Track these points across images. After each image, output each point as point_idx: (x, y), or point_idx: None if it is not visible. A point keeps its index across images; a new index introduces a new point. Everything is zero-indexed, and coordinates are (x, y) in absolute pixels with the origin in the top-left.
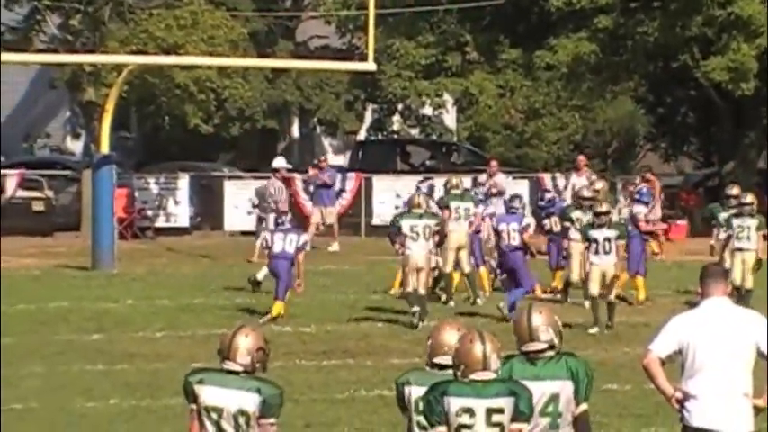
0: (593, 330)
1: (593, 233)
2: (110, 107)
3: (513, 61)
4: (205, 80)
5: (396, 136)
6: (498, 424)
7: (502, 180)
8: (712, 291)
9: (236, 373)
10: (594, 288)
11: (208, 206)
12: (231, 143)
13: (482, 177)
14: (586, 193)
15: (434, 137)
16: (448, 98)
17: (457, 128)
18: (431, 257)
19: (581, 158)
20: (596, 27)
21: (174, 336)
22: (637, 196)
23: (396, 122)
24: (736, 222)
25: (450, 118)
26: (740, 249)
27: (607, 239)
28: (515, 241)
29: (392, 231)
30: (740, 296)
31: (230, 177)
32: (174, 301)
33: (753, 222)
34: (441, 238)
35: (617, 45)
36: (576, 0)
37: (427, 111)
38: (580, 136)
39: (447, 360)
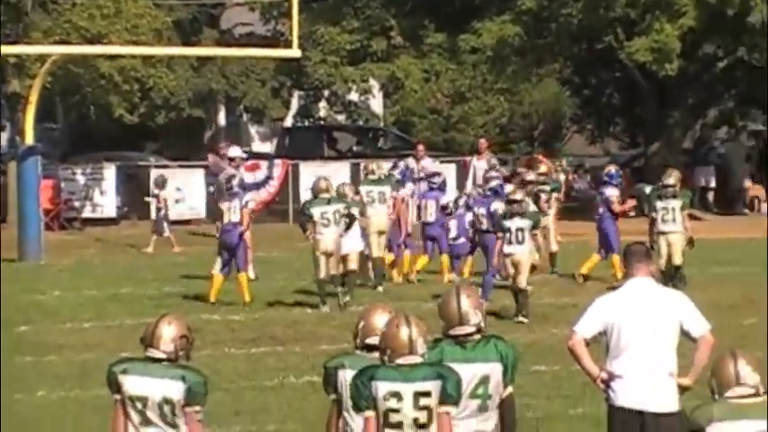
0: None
1: (507, 223)
2: (33, 98)
3: (439, 45)
4: (130, 69)
5: (322, 122)
6: (426, 407)
7: (429, 164)
8: (635, 271)
9: (160, 361)
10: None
11: (135, 196)
12: (157, 132)
13: (410, 162)
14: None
15: (361, 122)
16: (374, 83)
17: (383, 113)
18: (341, 242)
19: (482, 142)
20: (520, 9)
21: (103, 326)
22: (606, 179)
23: (322, 109)
24: (660, 205)
25: (376, 103)
26: (664, 232)
27: (520, 229)
28: (432, 217)
29: (302, 219)
30: (671, 277)
31: (157, 166)
32: (102, 291)
33: (677, 203)
34: (350, 221)
35: (541, 27)
36: None
37: (353, 96)
38: (506, 119)
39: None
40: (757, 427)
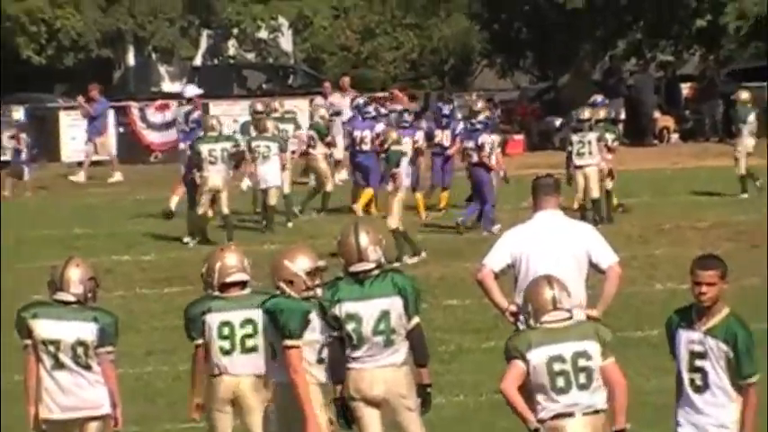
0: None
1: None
2: None
3: None
4: (36, 11)
5: (232, 61)
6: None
7: (338, 100)
8: (543, 203)
9: (70, 304)
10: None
11: (44, 138)
12: (66, 74)
13: (318, 99)
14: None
15: (271, 60)
16: (283, 21)
17: (293, 50)
18: (228, 178)
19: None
20: None
21: (11, 269)
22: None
23: (231, 47)
24: (575, 138)
25: (285, 41)
26: (580, 167)
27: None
28: (367, 146)
29: (190, 156)
30: (591, 208)
31: (66, 108)
32: (14, 233)
33: (593, 135)
34: (238, 160)
35: None
36: None
37: (263, 34)
38: (416, 54)
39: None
40: (575, 348)
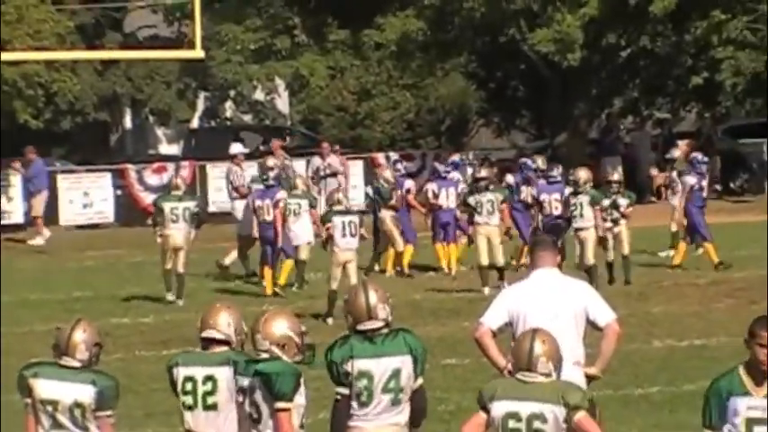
0: None
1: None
2: None
3: (342, 42)
4: (33, 75)
5: (229, 123)
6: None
7: (335, 161)
8: (540, 262)
9: (68, 368)
10: None
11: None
12: (63, 137)
13: (316, 160)
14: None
15: (267, 122)
16: (279, 82)
17: (290, 111)
18: (189, 237)
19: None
20: (423, 4)
21: (12, 332)
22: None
23: (228, 109)
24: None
25: (282, 102)
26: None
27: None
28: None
29: (154, 213)
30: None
31: (63, 171)
32: (11, 296)
33: (585, 199)
34: (199, 220)
35: (444, 21)
36: None
37: (259, 96)
38: (413, 114)
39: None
40: (533, 409)
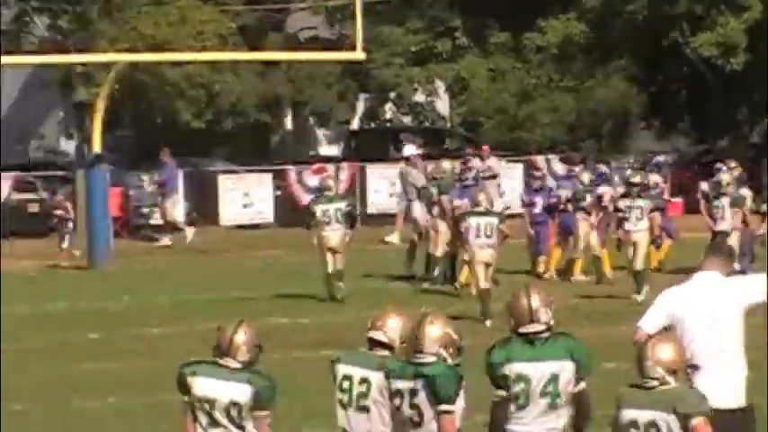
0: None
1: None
2: (101, 106)
3: (504, 44)
4: (196, 75)
5: (388, 124)
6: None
7: (495, 164)
8: (706, 265)
9: (228, 368)
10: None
11: (203, 201)
12: (224, 138)
13: (476, 162)
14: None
15: (427, 124)
16: (439, 84)
17: (450, 114)
18: (345, 238)
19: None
20: (585, 7)
21: (171, 332)
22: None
23: (388, 111)
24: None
25: (442, 104)
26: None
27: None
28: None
29: (307, 216)
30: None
31: (224, 172)
32: (171, 297)
33: (726, 201)
34: (352, 220)
35: (606, 24)
36: None
37: (419, 98)
38: (573, 117)
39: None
40: (649, 417)
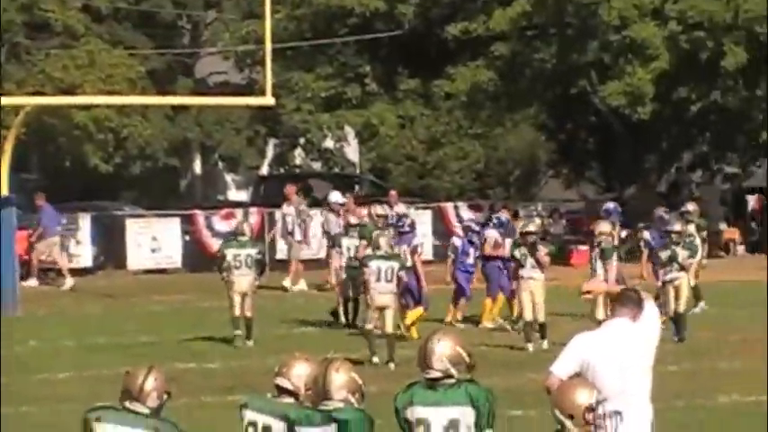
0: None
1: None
2: (8, 148)
3: (413, 91)
4: (104, 119)
5: (297, 170)
6: None
7: (403, 210)
8: (617, 312)
9: (136, 413)
10: None
11: (111, 245)
12: (133, 182)
13: (382, 208)
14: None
15: (337, 170)
16: (349, 130)
17: (359, 160)
18: (254, 283)
19: (290, 187)
20: (493, 55)
21: (79, 376)
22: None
23: (298, 156)
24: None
25: (351, 150)
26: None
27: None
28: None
29: (219, 260)
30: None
31: (132, 216)
32: (78, 341)
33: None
34: (262, 267)
35: (515, 72)
36: (472, 28)
37: (329, 144)
38: (482, 164)
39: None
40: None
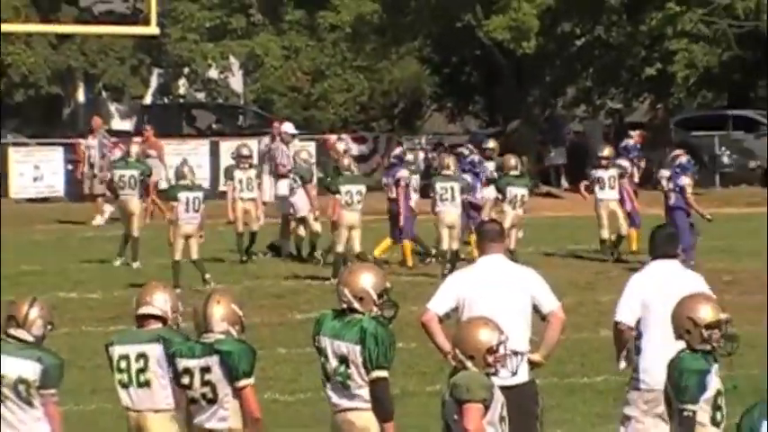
0: None
1: None
2: None
3: (298, 22)
4: None
5: (182, 100)
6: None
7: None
8: (488, 249)
9: (20, 340)
10: None
11: None
12: (15, 110)
13: (266, 140)
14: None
15: (221, 100)
16: (234, 61)
17: (243, 91)
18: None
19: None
20: None
21: None
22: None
23: (182, 86)
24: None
25: (236, 81)
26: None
27: None
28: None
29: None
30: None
31: (15, 144)
32: None
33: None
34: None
35: (400, 5)
36: None
37: (213, 74)
38: (366, 97)
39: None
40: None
